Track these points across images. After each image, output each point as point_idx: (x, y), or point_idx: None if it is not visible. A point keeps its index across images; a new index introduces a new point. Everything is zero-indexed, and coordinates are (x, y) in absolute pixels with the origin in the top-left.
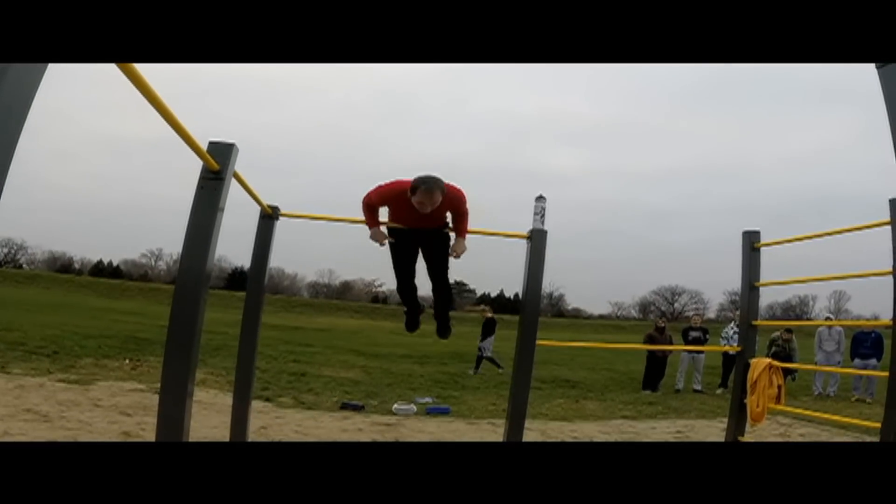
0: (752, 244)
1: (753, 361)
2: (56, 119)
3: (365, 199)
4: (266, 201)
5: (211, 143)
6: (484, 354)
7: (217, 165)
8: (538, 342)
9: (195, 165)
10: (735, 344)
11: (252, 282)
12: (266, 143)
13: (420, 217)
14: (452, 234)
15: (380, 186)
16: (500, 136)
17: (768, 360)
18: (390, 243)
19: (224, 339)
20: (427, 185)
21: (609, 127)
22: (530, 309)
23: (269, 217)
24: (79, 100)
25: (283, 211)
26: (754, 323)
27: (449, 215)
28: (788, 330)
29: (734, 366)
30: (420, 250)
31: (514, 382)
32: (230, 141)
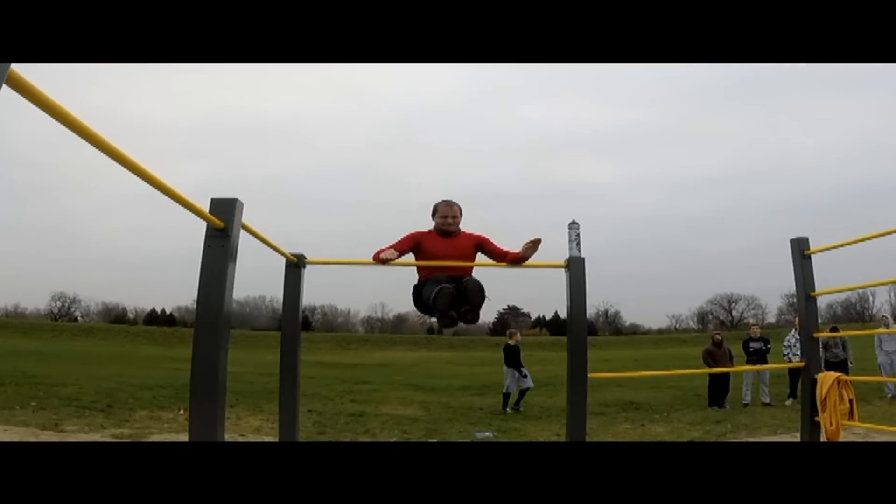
0: (801, 252)
1: (820, 377)
2: (99, 173)
3: (378, 253)
4: (303, 242)
5: (213, 201)
6: (524, 386)
7: (221, 223)
8: (591, 375)
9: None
10: (798, 352)
11: (286, 329)
12: (297, 185)
13: (449, 251)
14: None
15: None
16: (530, 157)
17: (836, 374)
18: (422, 285)
19: (278, 383)
20: (444, 200)
21: (639, 135)
22: (577, 337)
23: (295, 266)
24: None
25: (310, 258)
26: (816, 335)
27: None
28: (834, 328)
29: (801, 375)
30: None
31: (569, 413)
32: (232, 196)
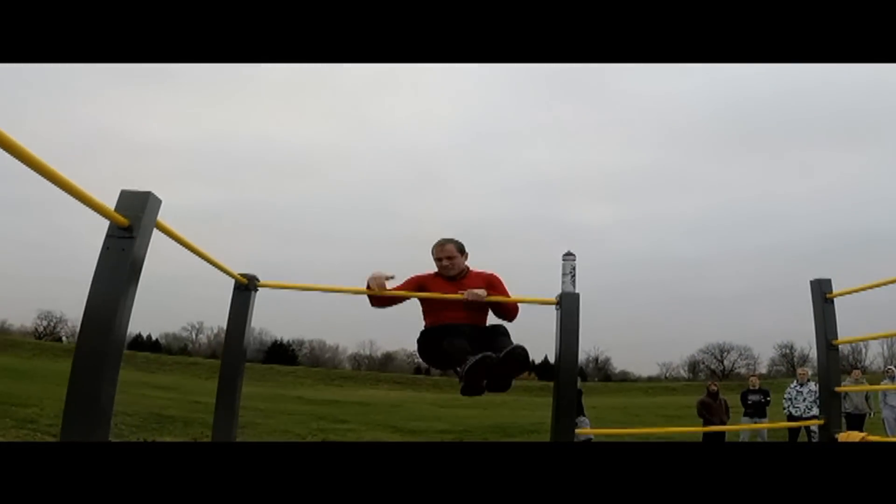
0: (823, 295)
1: (842, 436)
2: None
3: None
4: (303, 272)
5: (122, 193)
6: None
7: (126, 221)
8: (578, 431)
9: (246, 233)
10: (799, 404)
11: (227, 359)
12: (300, 216)
13: (456, 288)
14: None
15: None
16: (527, 196)
17: (861, 434)
18: (433, 332)
19: (254, 416)
20: (438, 240)
21: (635, 178)
22: (565, 385)
23: (244, 288)
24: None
25: (264, 281)
26: (837, 389)
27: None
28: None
29: (800, 430)
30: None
31: None
32: (145, 190)
